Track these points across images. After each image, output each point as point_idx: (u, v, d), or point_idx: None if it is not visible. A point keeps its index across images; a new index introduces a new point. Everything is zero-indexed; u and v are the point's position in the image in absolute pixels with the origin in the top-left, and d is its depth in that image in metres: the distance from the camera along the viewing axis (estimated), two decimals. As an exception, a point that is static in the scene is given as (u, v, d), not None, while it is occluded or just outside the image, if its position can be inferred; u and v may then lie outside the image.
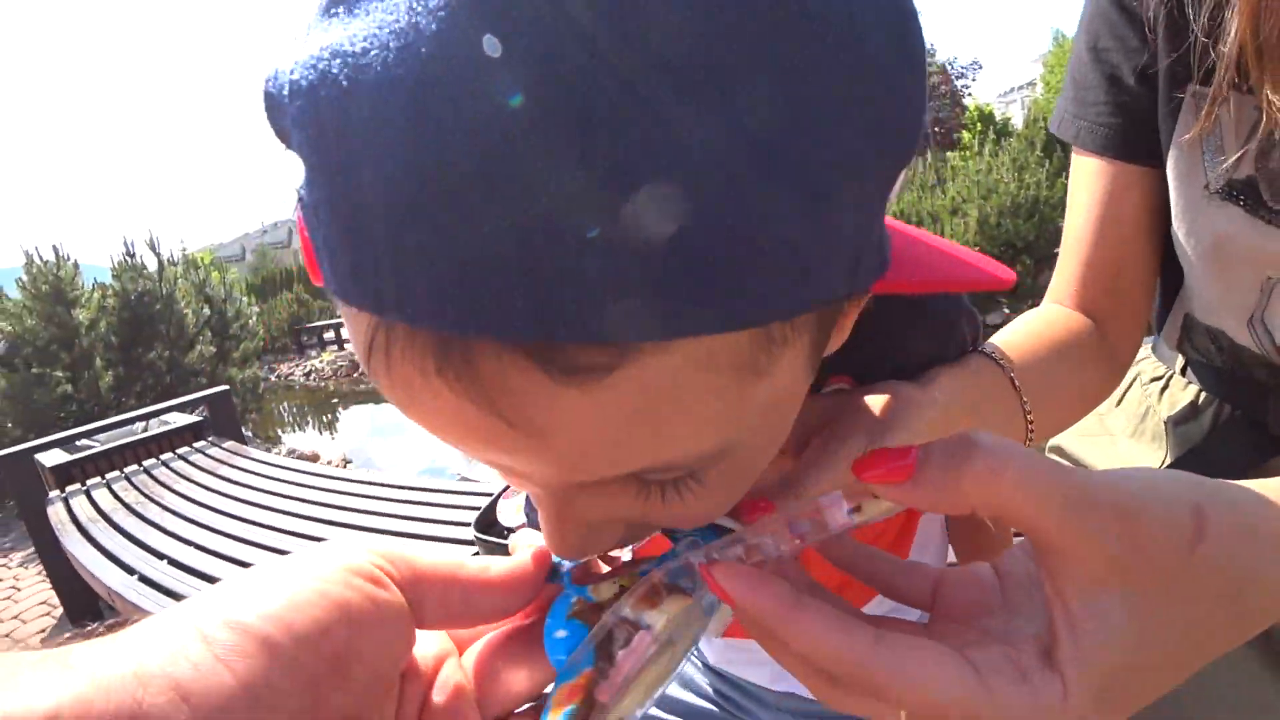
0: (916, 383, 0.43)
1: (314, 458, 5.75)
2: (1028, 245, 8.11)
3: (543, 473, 0.26)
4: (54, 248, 5.18)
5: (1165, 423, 0.74)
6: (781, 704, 0.69)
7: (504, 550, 0.75)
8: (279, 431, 8.88)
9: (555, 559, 0.33)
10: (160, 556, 1.86)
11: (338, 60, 0.19)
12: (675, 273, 0.19)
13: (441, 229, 0.19)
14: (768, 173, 0.20)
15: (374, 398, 9.93)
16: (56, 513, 2.28)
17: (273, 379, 11.92)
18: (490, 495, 1.98)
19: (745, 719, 0.73)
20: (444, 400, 0.23)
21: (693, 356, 0.22)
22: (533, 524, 0.89)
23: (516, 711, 0.32)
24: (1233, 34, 0.48)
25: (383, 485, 2.19)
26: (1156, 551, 0.25)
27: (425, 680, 0.32)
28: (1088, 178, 0.66)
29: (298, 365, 13.08)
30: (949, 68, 22.06)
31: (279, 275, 21.80)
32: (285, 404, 10.71)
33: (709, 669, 0.75)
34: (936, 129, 20.66)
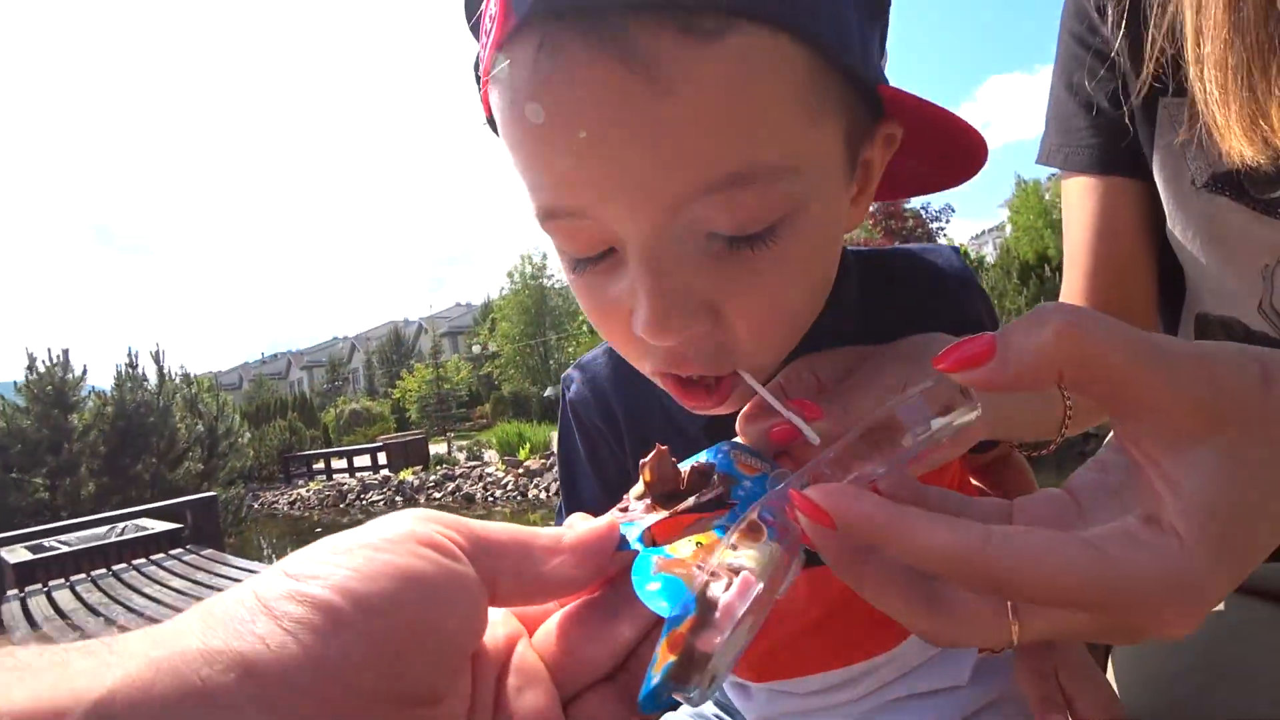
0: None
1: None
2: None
3: (651, 182, 0.32)
4: (63, 351, 5.17)
5: None
6: None
7: None
8: (255, 562, 8.43)
9: (621, 529, 0.32)
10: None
11: None
12: None
13: None
14: None
15: (359, 528, 9.57)
16: (10, 611, 2.05)
17: (256, 505, 11.52)
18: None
19: None
20: (599, 72, 0.31)
21: (771, 57, 0.32)
22: None
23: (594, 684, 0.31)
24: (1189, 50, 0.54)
25: None
26: (1235, 393, 0.25)
27: (498, 661, 0.30)
28: (1079, 197, 0.72)
29: (282, 494, 12.73)
30: (923, 213, 23.48)
31: (273, 403, 21.76)
32: (265, 533, 10.27)
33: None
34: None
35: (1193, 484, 0.25)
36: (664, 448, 0.34)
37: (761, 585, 0.28)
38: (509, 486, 10.41)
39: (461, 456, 13.32)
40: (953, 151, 0.45)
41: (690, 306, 0.35)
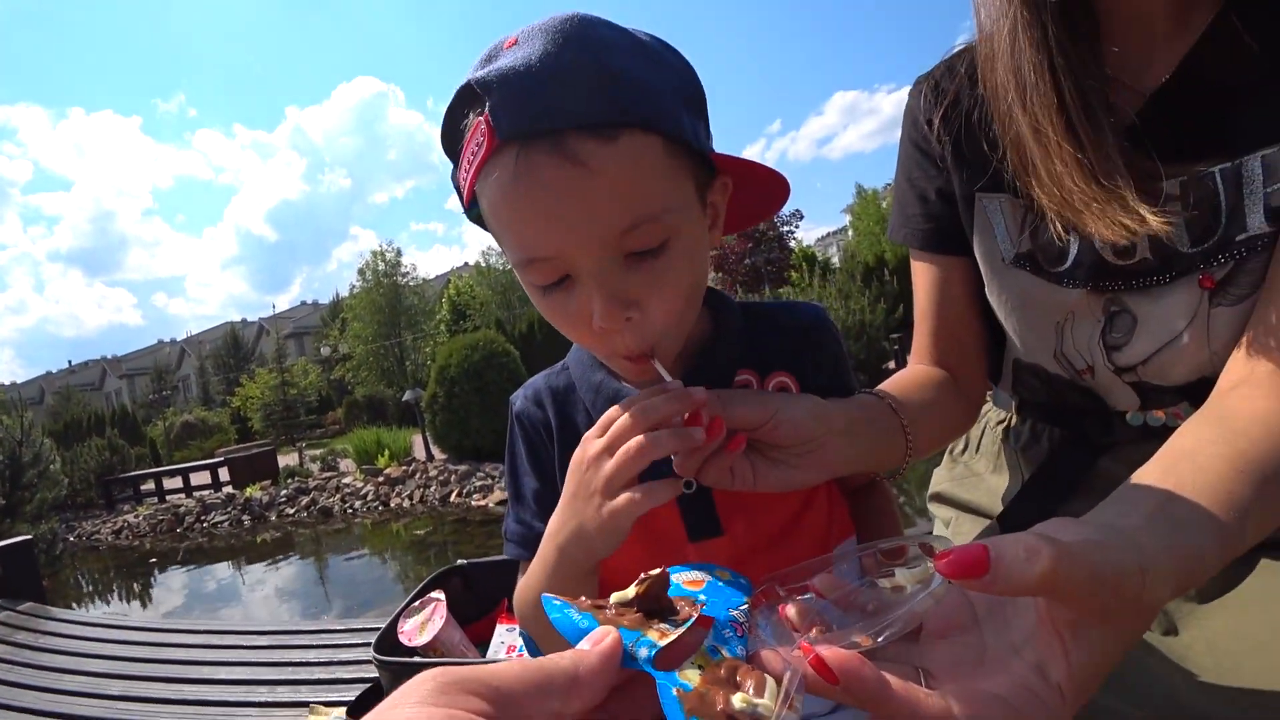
0: (840, 409, 0.63)
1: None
2: (860, 364, 9.02)
3: (594, 235, 0.52)
4: None
5: (1015, 452, 0.93)
6: None
7: (410, 671, 0.78)
8: (72, 604, 7.48)
9: (625, 645, 0.35)
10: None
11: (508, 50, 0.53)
12: (629, 99, 0.52)
13: (558, 81, 0.50)
14: (646, 89, 0.53)
15: (200, 557, 8.73)
16: None
17: (72, 539, 10.23)
18: (365, 630, 1.79)
19: None
20: (553, 168, 0.50)
21: (643, 146, 0.52)
22: (448, 642, 0.94)
23: None
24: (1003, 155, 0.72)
25: (228, 633, 1.89)
26: (1124, 596, 0.39)
27: None
28: (921, 270, 0.89)
29: (105, 522, 11.34)
30: (775, 219, 25.02)
31: (87, 419, 19.29)
32: (86, 569, 9.15)
33: None
34: (769, 268, 23.10)
35: (1078, 657, 0.38)
36: (667, 571, 0.42)
37: None
38: (369, 496, 9.93)
39: (315, 468, 12.51)
40: (769, 190, 0.67)
41: (625, 301, 0.54)
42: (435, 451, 11.18)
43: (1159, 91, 0.68)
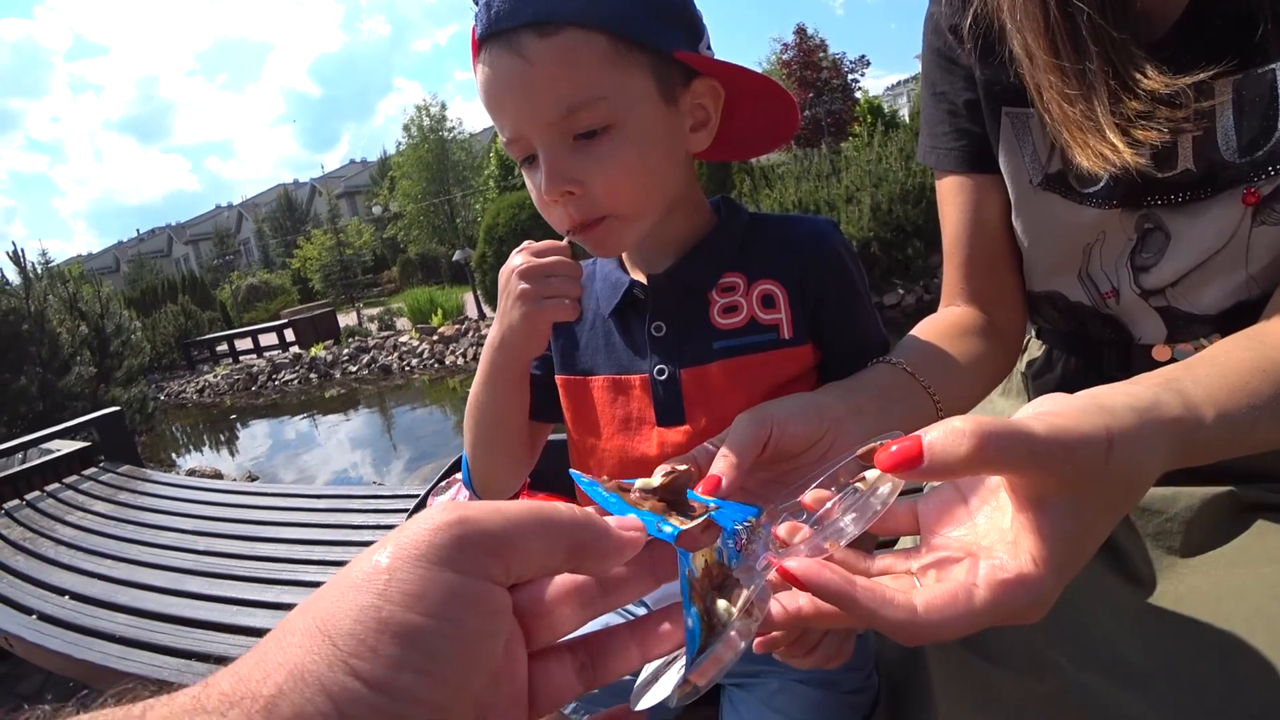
0: (838, 396, 0.59)
1: (216, 476, 5.45)
2: (917, 229, 8.62)
3: (537, 115, 0.59)
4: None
5: (1024, 375, 0.90)
6: None
7: None
8: (172, 455, 8.33)
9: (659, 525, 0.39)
10: (60, 592, 1.75)
11: None
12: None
13: None
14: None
15: (275, 412, 9.47)
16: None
17: (162, 398, 11.16)
18: (408, 496, 1.99)
19: None
20: (504, 63, 0.59)
21: (581, 40, 0.58)
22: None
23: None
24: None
25: (292, 496, 2.12)
26: (1086, 469, 0.37)
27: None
28: (951, 193, 0.81)
29: (189, 382, 12.28)
30: (841, 63, 22.87)
31: (160, 286, 20.33)
32: (178, 424, 10.06)
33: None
34: (829, 121, 21.29)
35: (1050, 530, 0.36)
36: (687, 468, 0.48)
37: (743, 644, 0.37)
38: (425, 354, 10.40)
39: (374, 327, 13.07)
40: (779, 110, 0.71)
41: (567, 175, 0.61)
42: (486, 310, 11.50)
43: None
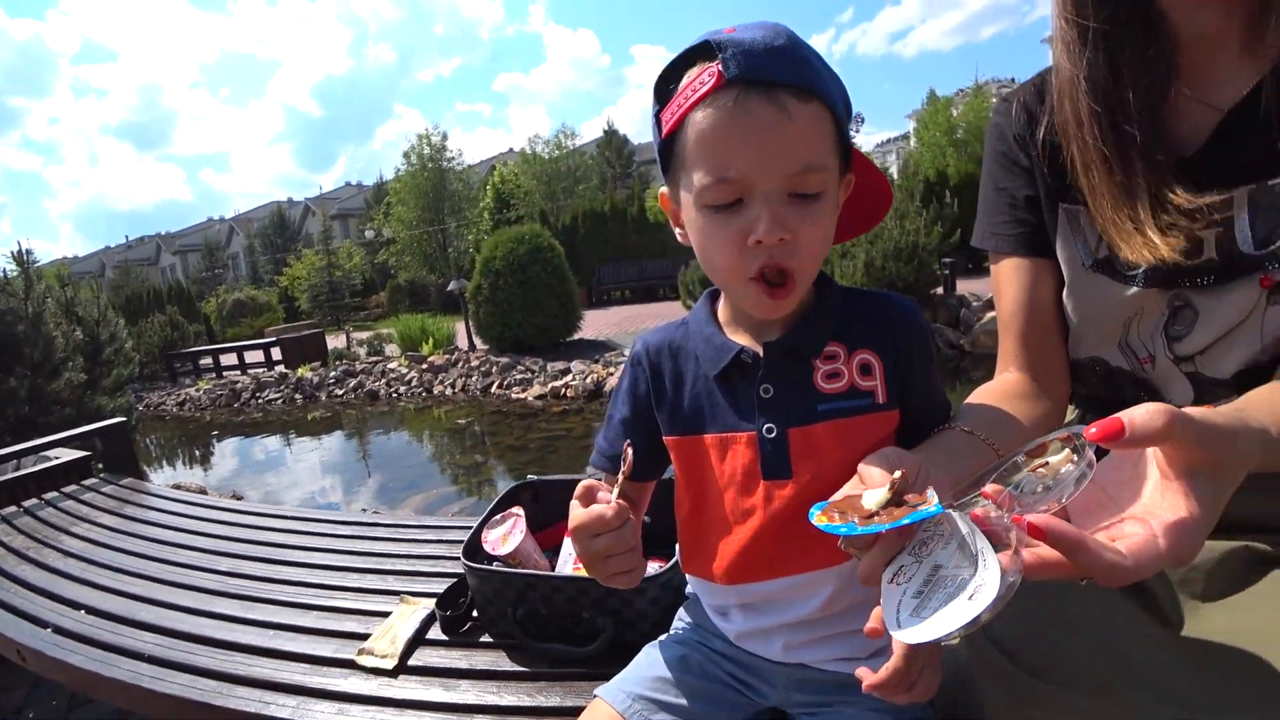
0: (925, 456, 0.68)
1: (201, 492, 5.33)
2: (908, 286, 8.81)
3: (781, 167, 0.66)
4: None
5: None
6: (790, 675, 0.83)
7: (495, 578, 1.32)
8: (144, 467, 8.11)
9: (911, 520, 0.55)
10: (75, 606, 1.70)
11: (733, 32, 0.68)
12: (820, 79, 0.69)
13: (779, 52, 0.67)
14: (828, 78, 0.70)
15: (257, 430, 9.30)
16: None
17: (141, 408, 10.93)
18: (434, 527, 1.98)
19: (757, 697, 0.86)
20: (763, 109, 0.65)
21: (825, 114, 0.69)
22: (526, 549, 1.22)
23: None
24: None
25: (312, 520, 2.07)
26: (1223, 455, 0.52)
27: None
28: (1009, 273, 0.95)
29: (169, 394, 12.07)
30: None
31: (146, 294, 20.07)
32: (154, 436, 9.84)
33: (726, 657, 0.88)
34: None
35: (1199, 491, 0.51)
36: (902, 474, 0.60)
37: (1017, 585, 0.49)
38: (413, 382, 10.33)
39: (362, 352, 12.99)
40: (875, 203, 0.83)
41: (786, 224, 0.67)
42: (477, 342, 11.48)
43: (1235, 109, 0.76)
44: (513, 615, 1.20)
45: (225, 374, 13.07)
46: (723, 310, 0.84)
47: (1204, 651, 0.70)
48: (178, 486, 5.48)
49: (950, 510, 0.54)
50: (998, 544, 0.50)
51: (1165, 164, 0.77)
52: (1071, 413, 1.00)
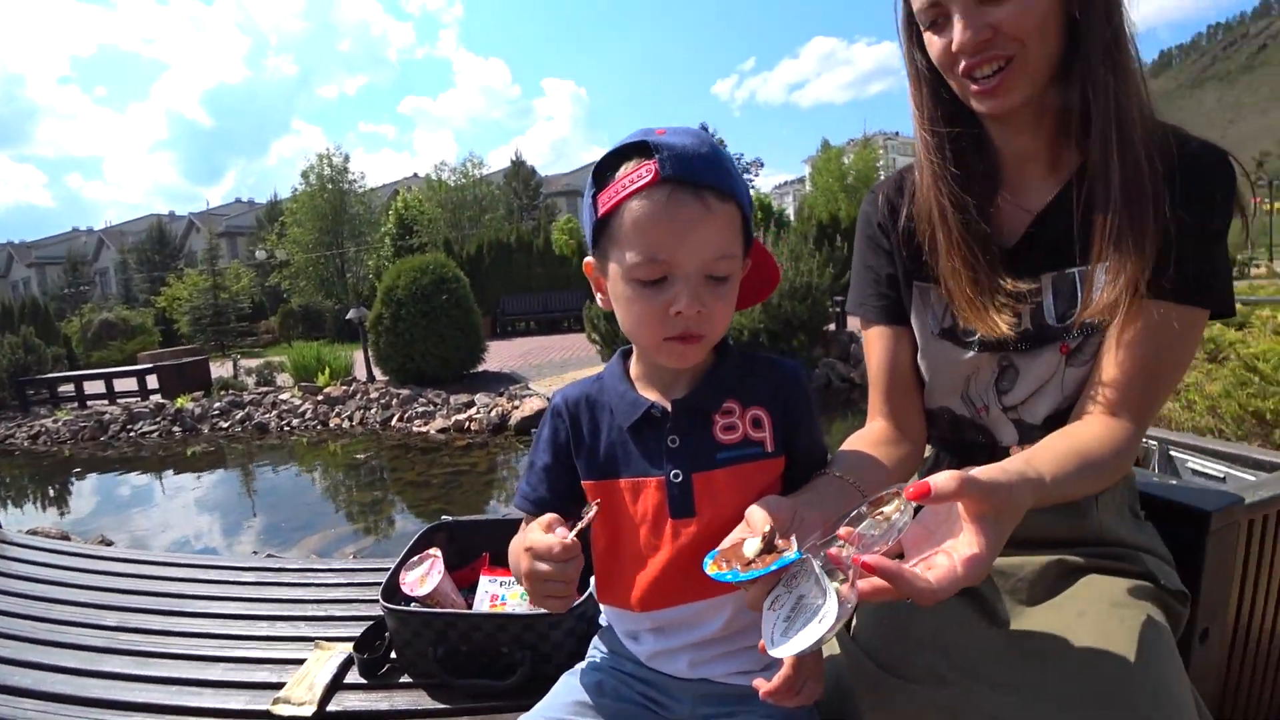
0: (802, 499, 0.84)
1: (64, 538, 4.87)
2: (803, 323, 9.31)
3: (701, 254, 0.80)
4: None
5: (920, 472, 1.21)
6: (695, 690, 0.96)
7: (414, 618, 1.36)
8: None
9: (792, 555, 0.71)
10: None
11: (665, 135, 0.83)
12: (734, 184, 0.84)
13: (705, 158, 0.82)
14: (739, 183, 0.85)
15: (127, 466, 8.55)
16: None
17: (-18, 443, 9.81)
18: (343, 570, 1.95)
19: (666, 713, 0.97)
20: (691, 205, 0.79)
21: (736, 210, 0.83)
22: (444, 590, 1.31)
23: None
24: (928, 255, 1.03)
25: (198, 567, 1.99)
26: (1003, 502, 0.67)
27: None
28: (875, 338, 1.13)
29: (19, 426, 10.90)
30: (736, 162, 24.89)
31: (-4, 314, 18.12)
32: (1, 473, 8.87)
33: (638, 679, 0.99)
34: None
35: (987, 533, 0.65)
36: (772, 528, 0.73)
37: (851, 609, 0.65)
38: (307, 415, 9.84)
39: (250, 381, 12.26)
40: (764, 279, 0.96)
41: (701, 300, 0.81)
42: (377, 373, 11.12)
43: (1041, 214, 0.98)
44: (433, 654, 1.25)
45: (90, 403, 11.97)
46: (634, 368, 0.96)
47: (1026, 644, 0.87)
48: (34, 532, 4.99)
49: (806, 555, 0.69)
50: (844, 576, 0.66)
51: (996, 255, 0.97)
52: (929, 451, 1.18)
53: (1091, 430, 0.89)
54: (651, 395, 0.92)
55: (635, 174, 0.80)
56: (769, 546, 0.71)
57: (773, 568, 0.68)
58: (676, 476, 0.88)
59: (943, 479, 0.65)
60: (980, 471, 0.68)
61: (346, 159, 27.00)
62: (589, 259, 0.91)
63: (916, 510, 0.69)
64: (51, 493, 7.94)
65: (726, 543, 0.76)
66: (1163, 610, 0.93)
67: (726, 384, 0.92)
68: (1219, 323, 5.85)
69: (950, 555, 0.66)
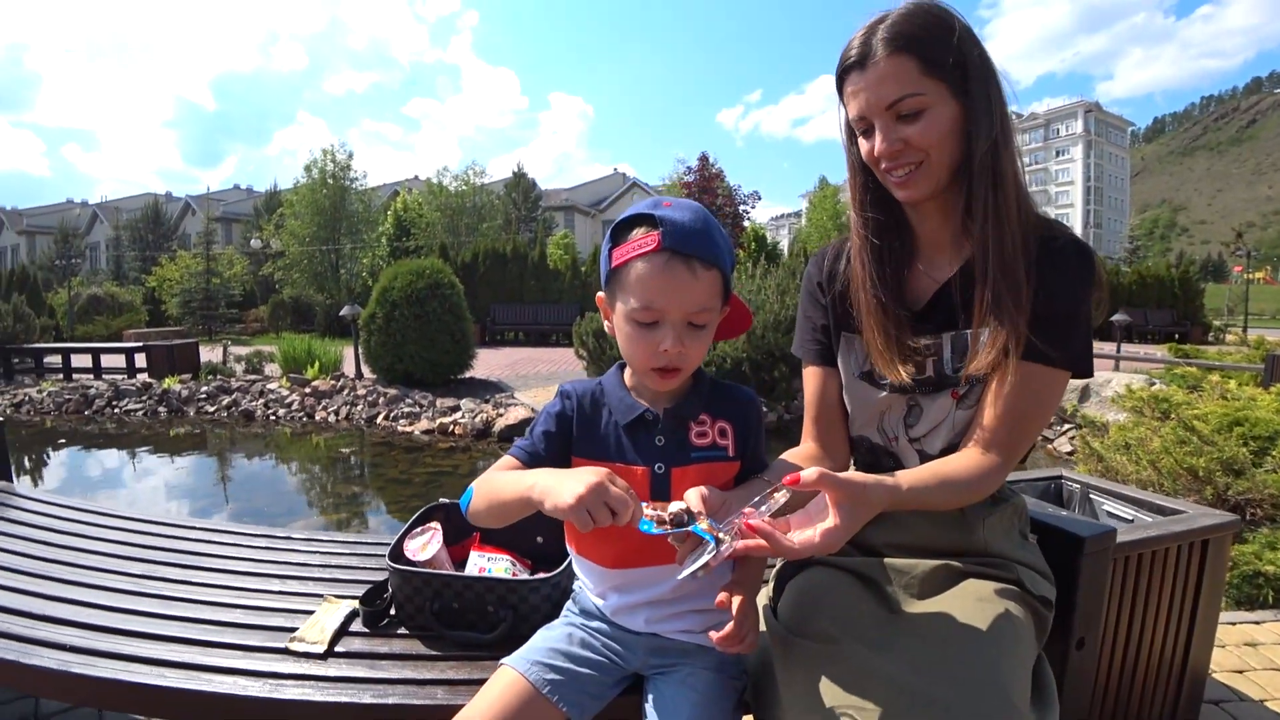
0: (732, 493, 1.08)
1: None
2: (784, 355, 9.60)
3: (685, 308, 1.06)
4: None
5: None
6: (647, 644, 1.21)
7: (417, 577, 1.61)
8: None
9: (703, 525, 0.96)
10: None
11: (668, 208, 1.09)
12: (719, 254, 1.09)
13: (699, 234, 1.07)
14: (723, 252, 1.10)
15: (109, 442, 8.65)
16: None
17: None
18: (323, 540, 2.16)
19: (623, 662, 1.22)
20: (682, 271, 1.04)
21: (719, 280, 1.09)
22: (439, 558, 1.61)
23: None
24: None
25: (208, 530, 2.16)
26: (858, 494, 0.92)
27: None
28: (810, 376, 1.38)
29: (3, 393, 10.93)
30: (735, 194, 25.30)
31: (-13, 281, 18.05)
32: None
33: (601, 634, 1.24)
34: (720, 243, 23.56)
35: (844, 517, 0.90)
36: (685, 506, 0.98)
37: (726, 553, 0.91)
38: (294, 406, 9.97)
39: (239, 368, 12.35)
40: (737, 320, 1.19)
41: (682, 342, 1.06)
42: (366, 370, 11.28)
43: (945, 284, 1.21)
44: (430, 609, 1.47)
45: (76, 377, 12.01)
46: (629, 379, 1.19)
47: (903, 623, 1.10)
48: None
49: (705, 528, 0.93)
50: (734, 535, 0.93)
51: (905, 316, 1.22)
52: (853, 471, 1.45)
53: (961, 460, 1.12)
54: (643, 402, 1.15)
55: (642, 241, 1.03)
56: (690, 518, 0.95)
57: (674, 531, 0.93)
58: (660, 469, 1.12)
59: (809, 472, 0.89)
60: (844, 473, 0.93)
61: (350, 156, 27.22)
62: (601, 294, 1.17)
63: (792, 495, 0.94)
64: (26, 462, 7.99)
65: (667, 509, 1.00)
66: (1026, 610, 1.14)
67: (702, 400, 1.17)
68: (1173, 385, 6.23)
69: (815, 527, 0.91)
